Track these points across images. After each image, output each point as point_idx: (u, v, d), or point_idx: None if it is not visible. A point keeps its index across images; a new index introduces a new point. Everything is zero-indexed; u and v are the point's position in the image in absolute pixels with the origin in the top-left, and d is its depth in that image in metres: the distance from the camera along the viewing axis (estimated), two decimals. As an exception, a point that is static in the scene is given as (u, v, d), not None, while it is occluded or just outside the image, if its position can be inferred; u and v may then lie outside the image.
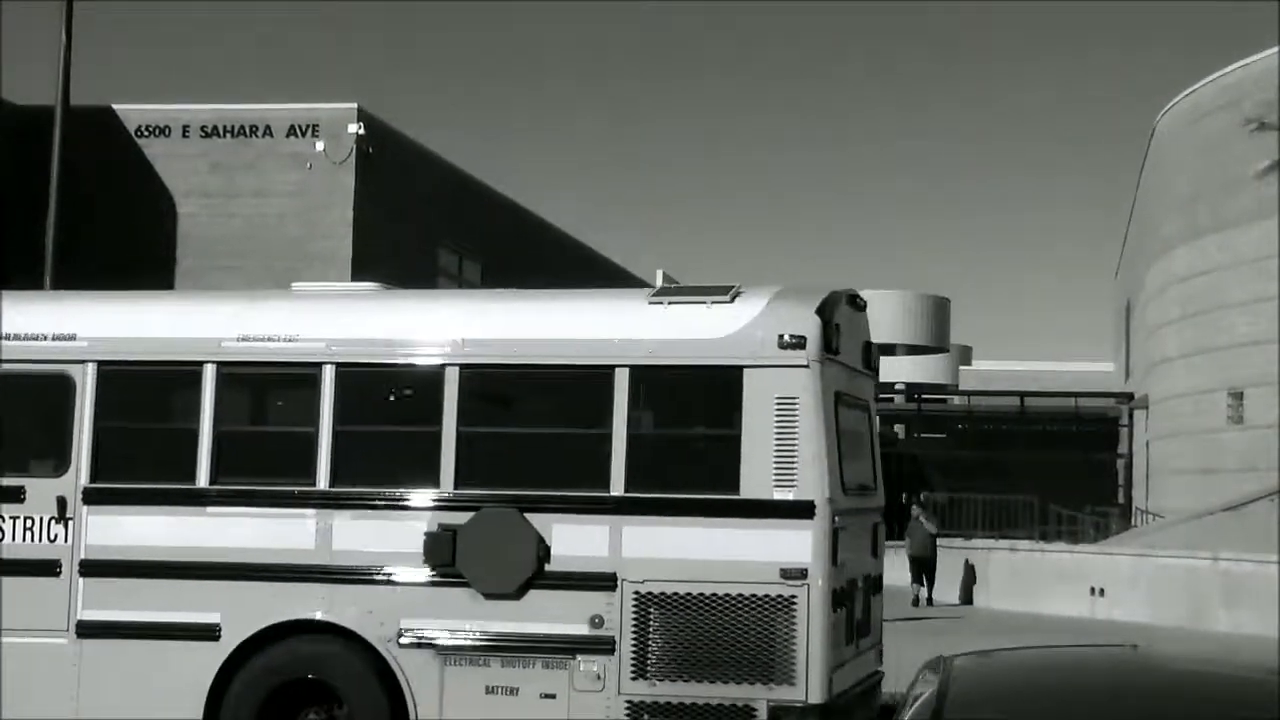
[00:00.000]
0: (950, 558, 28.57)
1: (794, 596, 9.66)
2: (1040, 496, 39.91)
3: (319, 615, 10.34)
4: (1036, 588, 26.89)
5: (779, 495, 9.78)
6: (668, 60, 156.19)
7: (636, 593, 9.87)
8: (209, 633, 10.37)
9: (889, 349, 75.09)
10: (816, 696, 9.65)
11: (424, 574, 10.18)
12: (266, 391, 11.31)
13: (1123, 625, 23.39)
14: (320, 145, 38.66)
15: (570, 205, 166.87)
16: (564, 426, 10.78)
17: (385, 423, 10.95)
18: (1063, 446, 46.56)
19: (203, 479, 10.61)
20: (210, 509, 10.58)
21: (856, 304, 11.27)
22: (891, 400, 60.48)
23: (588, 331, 10.35)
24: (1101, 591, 25.76)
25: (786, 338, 9.86)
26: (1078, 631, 21.55)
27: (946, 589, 28.00)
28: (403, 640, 10.15)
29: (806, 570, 9.67)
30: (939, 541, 27.94)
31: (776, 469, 9.80)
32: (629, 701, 9.84)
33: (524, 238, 49.61)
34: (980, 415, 50.68)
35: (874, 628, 11.35)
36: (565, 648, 9.94)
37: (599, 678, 9.89)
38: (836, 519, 9.82)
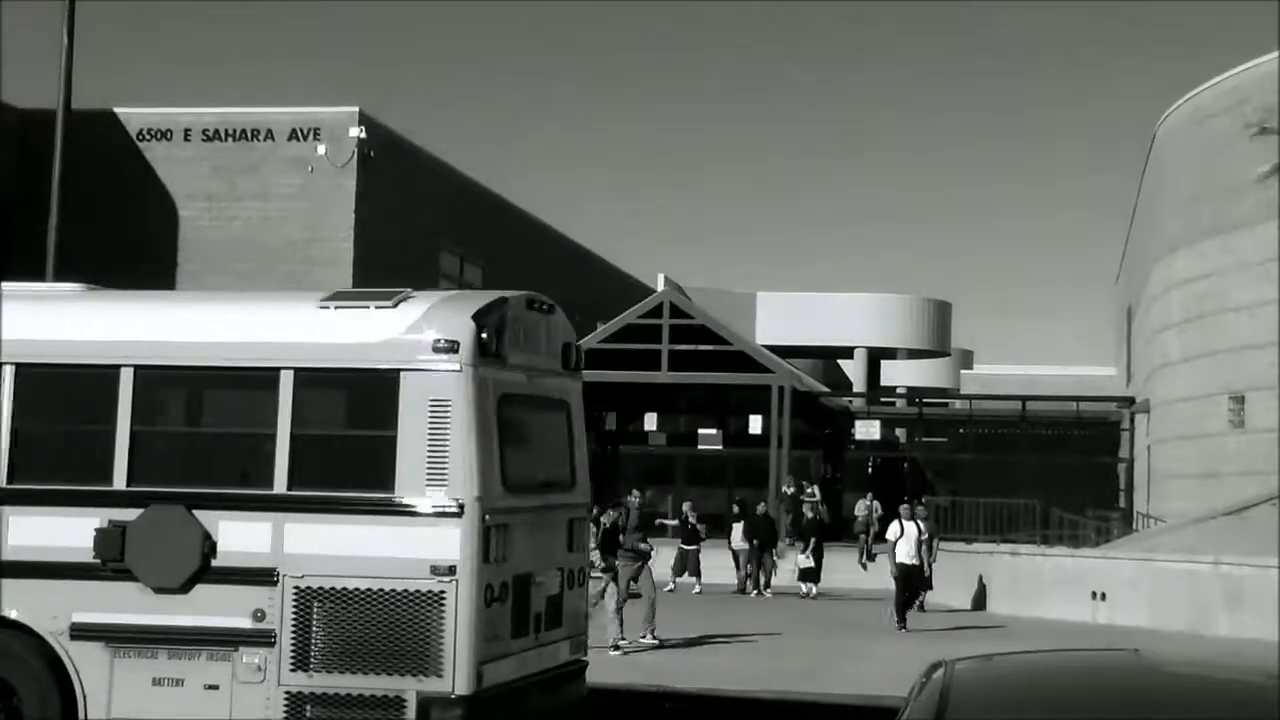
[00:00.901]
0: (959, 563, 28.48)
1: (443, 592, 10.04)
2: (1042, 500, 39.90)
3: None
4: (1038, 592, 26.85)
5: (430, 494, 10.16)
6: (671, 63, 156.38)
7: (297, 588, 10.25)
8: None
9: (890, 353, 75.32)
10: (463, 688, 10.02)
11: (95, 569, 10.50)
12: None
13: (1124, 629, 23.37)
14: (322, 149, 38.71)
15: (573, 208, 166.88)
16: (232, 426, 11.23)
17: (62, 421, 11.30)
18: (1064, 450, 46.55)
19: None
20: None
21: (541, 307, 11.53)
22: (893, 404, 60.49)
23: (256, 334, 10.75)
24: (1103, 596, 25.73)
25: (440, 342, 10.22)
26: (1079, 636, 21.53)
27: (961, 595, 27.85)
28: (74, 633, 10.46)
29: (455, 567, 10.04)
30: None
31: (429, 469, 10.17)
32: (288, 692, 10.21)
33: (525, 241, 49.66)
34: (981, 419, 50.64)
35: (569, 619, 11.64)
36: (228, 640, 10.32)
37: (260, 669, 10.26)
38: (488, 517, 10.17)
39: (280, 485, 10.39)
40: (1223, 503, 30.54)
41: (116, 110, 39.76)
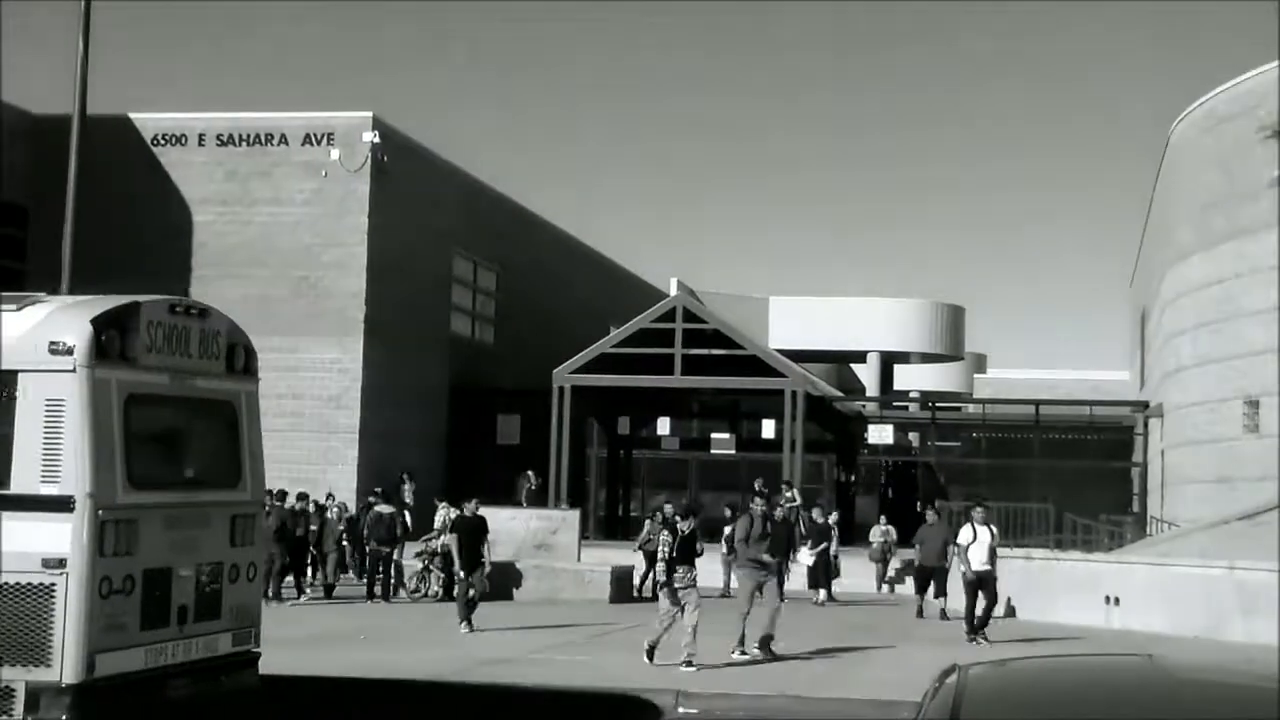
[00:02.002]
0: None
1: (53, 584, 10.46)
2: (1055, 505, 39.80)
3: None
4: (1051, 596, 26.80)
5: (44, 491, 10.58)
6: (684, 68, 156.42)
7: None
8: None
9: (904, 357, 75.23)
10: (72, 677, 10.39)
11: None
12: None
13: (1137, 634, 23.33)
14: (335, 154, 38.79)
15: (587, 213, 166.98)
16: None
17: None
18: (1077, 455, 46.45)
19: None
20: None
21: (188, 311, 11.91)
22: (906, 408, 60.42)
23: None
24: (1116, 600, 25.69)
25: (57, 345, 10.69)
26: (1092, 641, 21.50)
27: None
28: None
29: (65, 559, 10.46)
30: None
31: (44, 466, 10.61)
32: None
33: (538, 245, 49.65)
34: (995, 423, 50.56)
35: (233, 613, 12.00)
36: None
37: None
38: (102, 512, 10.58)
39: None
40: (1237, 508, 30.47)
41: (131, 115, 39.90)
